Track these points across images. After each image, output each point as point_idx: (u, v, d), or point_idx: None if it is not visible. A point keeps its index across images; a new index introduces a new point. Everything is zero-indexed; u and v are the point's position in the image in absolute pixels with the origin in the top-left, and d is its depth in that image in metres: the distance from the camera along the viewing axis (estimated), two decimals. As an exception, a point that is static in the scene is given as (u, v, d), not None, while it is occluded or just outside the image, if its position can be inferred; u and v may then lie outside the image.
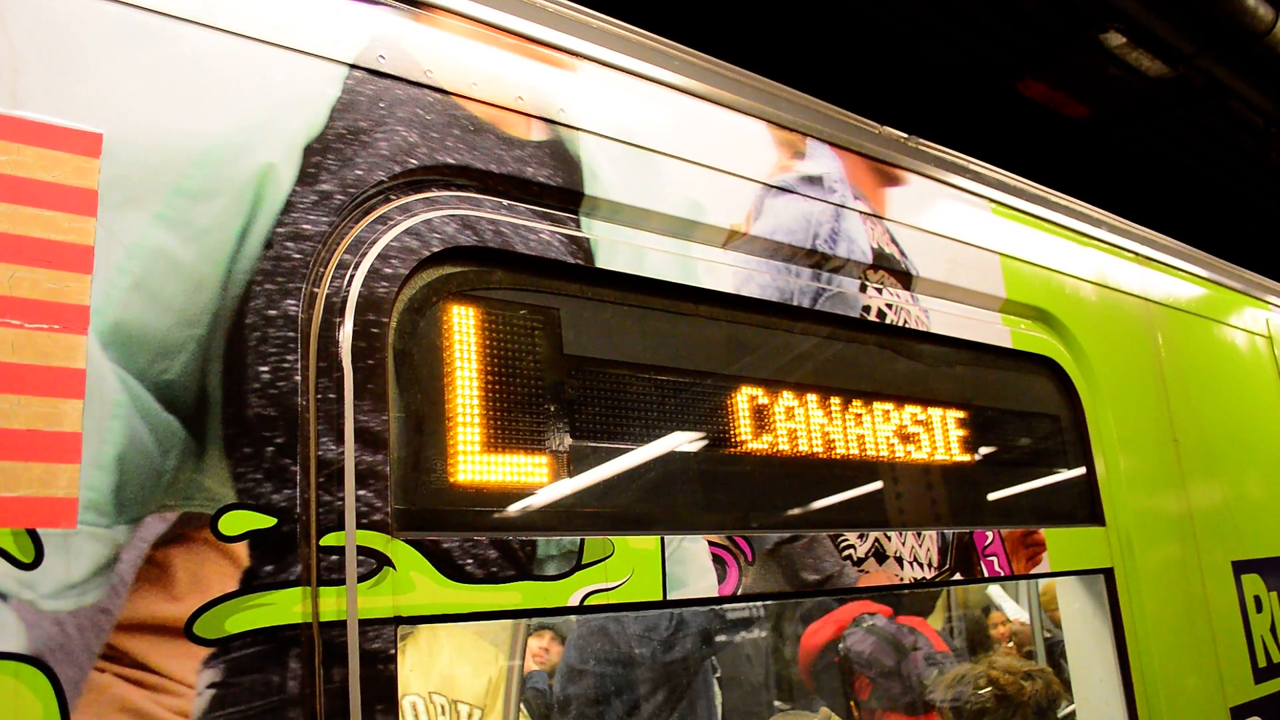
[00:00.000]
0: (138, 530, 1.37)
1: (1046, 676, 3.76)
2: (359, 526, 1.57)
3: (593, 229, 2.04)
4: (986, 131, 6.34)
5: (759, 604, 5.20)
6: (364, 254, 1.68)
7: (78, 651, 1.30)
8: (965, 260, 2.92)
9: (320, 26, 1.72)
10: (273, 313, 1.55)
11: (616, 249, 2.06)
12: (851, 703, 5.23)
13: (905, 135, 2.96)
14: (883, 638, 5.22)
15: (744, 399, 2.25)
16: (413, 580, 1.61)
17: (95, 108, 1.44)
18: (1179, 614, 3.29)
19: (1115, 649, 3.03)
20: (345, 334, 1.62)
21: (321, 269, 1.63)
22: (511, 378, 1.87)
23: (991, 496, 2.88)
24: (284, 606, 1.48)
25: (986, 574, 2.66)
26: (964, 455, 2.74)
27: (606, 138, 2.10)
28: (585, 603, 1.82)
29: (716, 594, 2.03)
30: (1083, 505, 3.14)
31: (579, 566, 1.82)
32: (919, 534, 2.50)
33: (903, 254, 2.71)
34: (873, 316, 2.57)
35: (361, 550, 1.56)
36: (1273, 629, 3.78)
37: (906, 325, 2.66)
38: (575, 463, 1.93)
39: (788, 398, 2.32)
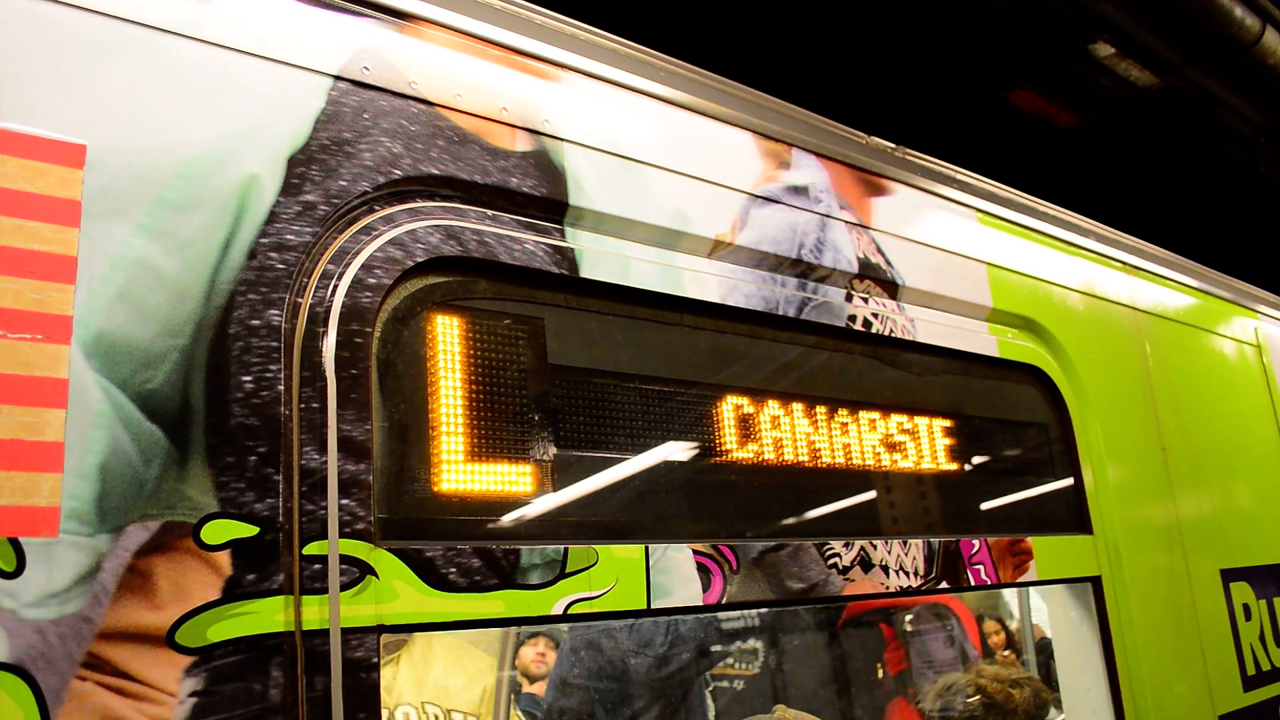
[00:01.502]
0: (120, 539, 1.37)
1: (1035, 685, 3.77)
2: (342, 535, 1.57)
3: (577, 239, 2.05)
4: (977, 142, 6.37)
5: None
6: (348, 264, 1.68)
7: (59, 660, 1.30)
8: (951, 269, 2.94)
9: (304, 38, 1.73)
10: (256, 323, 1.56)
11: (601, 259, 2.07)
12: (878, 664, 5.22)
13: (892, 145, 2.97)
14: (947, 635, 5.17)
15: (729, 408, 2.26)
16: (396, 589, 1.62)
17: (79, 119, 1.45)
18: (1168, 622, 3.29)
19: (1103, 657, 3.03)
20: (329, 344, 1.63)
21: (305, 279, 1.63)
22: (495, 387, 1.88)
23: (978, 505, 2.89)
24: (266, 615, 1.48)
25: (973, 582, 2.67)
26: (950, 464, 2.75)
27: (591, 148, 2.11)
28: (569, 611, 1.83)
29: (701, 602, 2.04)
30: (1070, 514, 3.15)
31: (563, 575, 1.83)
32: (905, 543, 2.51)
33: (889, 263, 2.72)
34: (859, 326, 2.58)
35: (344, 559, 1.57)
36: (1261, 637, 3.79)
37: (892, 334, 2.67)
38: (559, 472, 1.94)
39: (773, 407, 2.33)
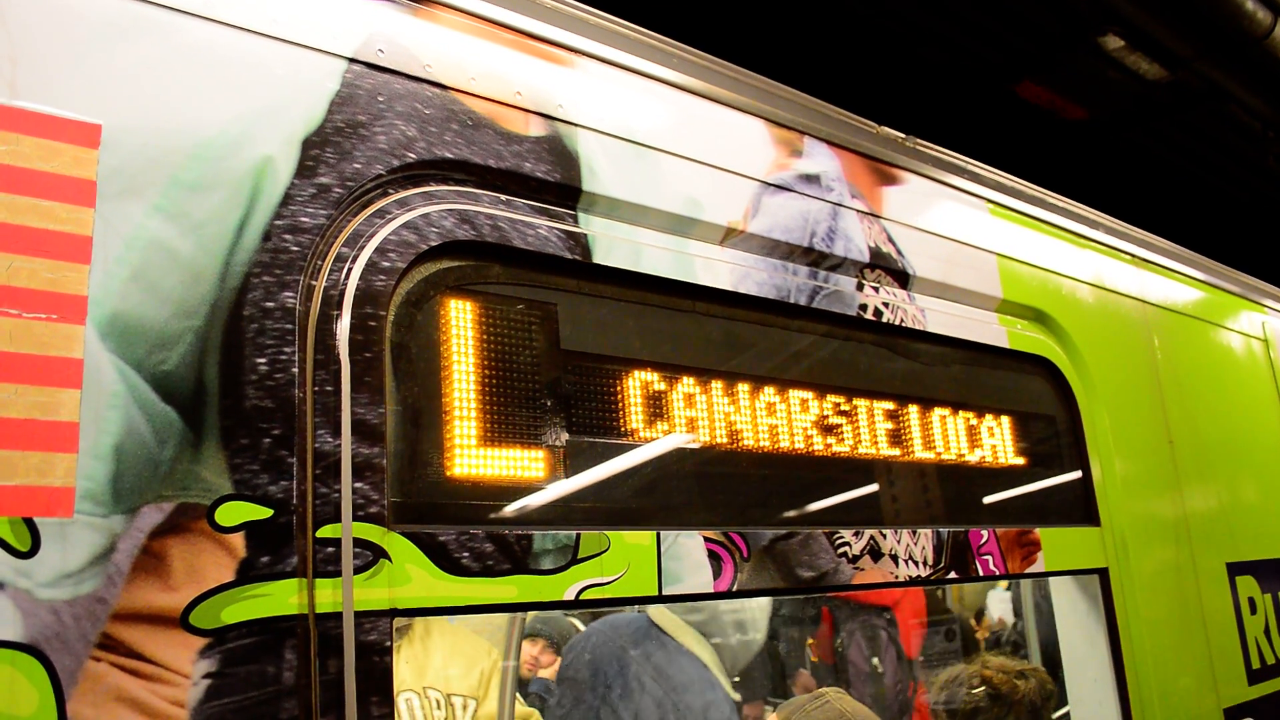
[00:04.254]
0: (134, 520, 1.37)
1: (1040, 676, 3.77)
2: (355, 519, 1.57)
3: (590, 225, 2.04)
4: (986, 134, 6.35)
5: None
6: (362, 247, 1.68)
7: (74, 640, 1.30)
8: (962, 260, 2.93)
9: (319, 20, 1.72)
10: (270, 305, 1.55)
11: (614, 245, 2.06)
12: (810, 642, 5.33)
13: (903, 135, 2.96)
14: (867, 635, 5.25)
15: (740, 395, 2.25)
16: (408, 573, 1.62)
17: (94, 99, 1.45)
18: (1173, 615, 3.30)
19: (1109, 649, 3.03)
20: (343, 327, 1.62)
21: (319, 262, 1.63)
22: (508, 372, 1.88)
23: (987, 496, 2.89)
24: (280, 598, 1.48)
25: (981, 573, 2.67)
26: (959, 454, 2.74)
27: (605, 134, 2.11)
28: (581, 597, 1.83)
29: (712, 590, 2.03)
30: (1078, 505, 3.14)
31: (575, 561, 1.83)
32: (914, 532, 2.50)
33: (900, 253, 2.72)
34: (869, 315, 2.57)
35: (358, 542, 1.57)
36: (1266, 631, 3.79)
37: (903, 324, 2.66)
38: (572, 457, 1.94)
39: (783, 394, 2.33)
